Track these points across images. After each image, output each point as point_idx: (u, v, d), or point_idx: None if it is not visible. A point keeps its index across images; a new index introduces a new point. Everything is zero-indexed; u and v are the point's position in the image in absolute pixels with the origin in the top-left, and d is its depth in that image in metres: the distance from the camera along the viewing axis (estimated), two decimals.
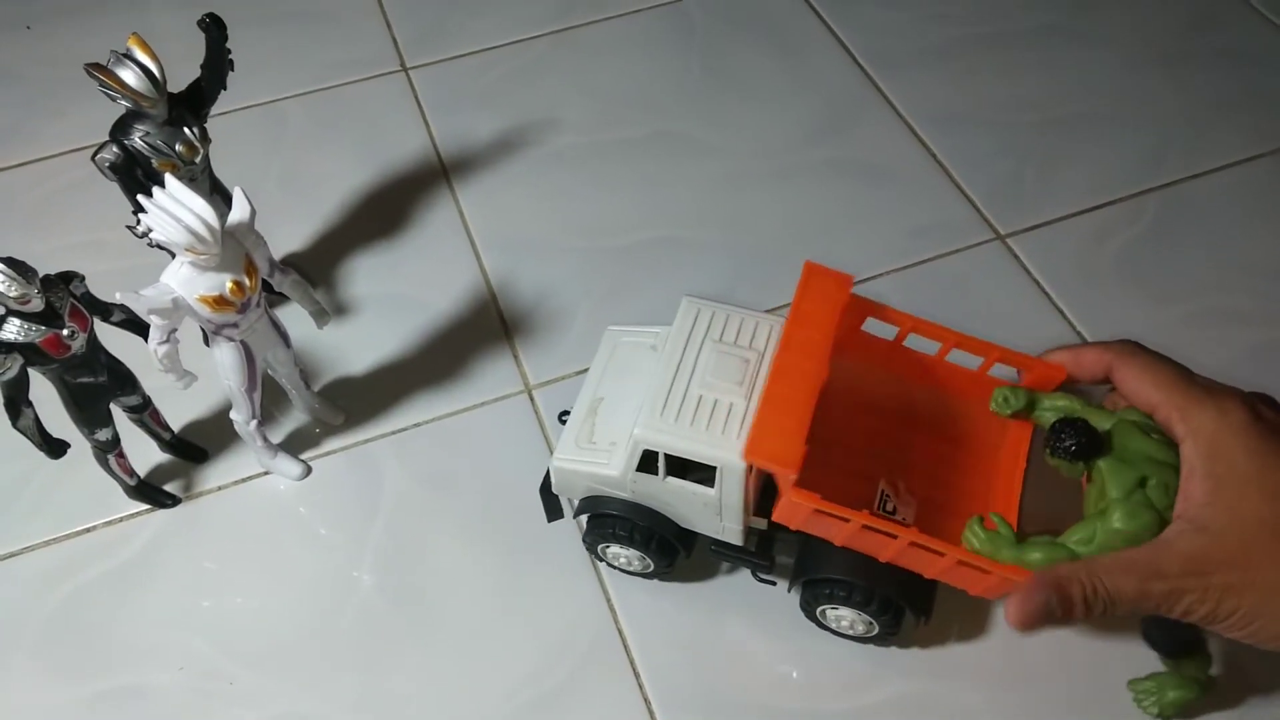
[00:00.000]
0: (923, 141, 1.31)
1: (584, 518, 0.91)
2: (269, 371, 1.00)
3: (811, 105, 1.36)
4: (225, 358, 0.91)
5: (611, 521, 0.89)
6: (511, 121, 1.35)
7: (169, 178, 0.79)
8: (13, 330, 0.81)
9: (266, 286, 0.88)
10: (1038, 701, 0.89)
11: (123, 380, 0.94)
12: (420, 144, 1.33)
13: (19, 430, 0.88)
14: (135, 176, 0.92)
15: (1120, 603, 0.69)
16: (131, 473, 1.00)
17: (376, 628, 0.94)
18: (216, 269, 0.82)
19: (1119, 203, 1.22)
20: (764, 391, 0.77)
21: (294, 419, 1.07)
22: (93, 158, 0.90)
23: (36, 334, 0.80)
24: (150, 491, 1.02)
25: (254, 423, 0.98)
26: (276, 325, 0.96)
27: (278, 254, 1.01)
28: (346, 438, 1.06)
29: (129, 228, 0.89)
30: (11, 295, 0.77)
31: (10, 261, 0.78)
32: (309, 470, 1.04)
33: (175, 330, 0.85)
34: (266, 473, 1.05)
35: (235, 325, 0.88)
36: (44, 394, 0.88)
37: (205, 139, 0.95)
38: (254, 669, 0.93)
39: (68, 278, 0.85)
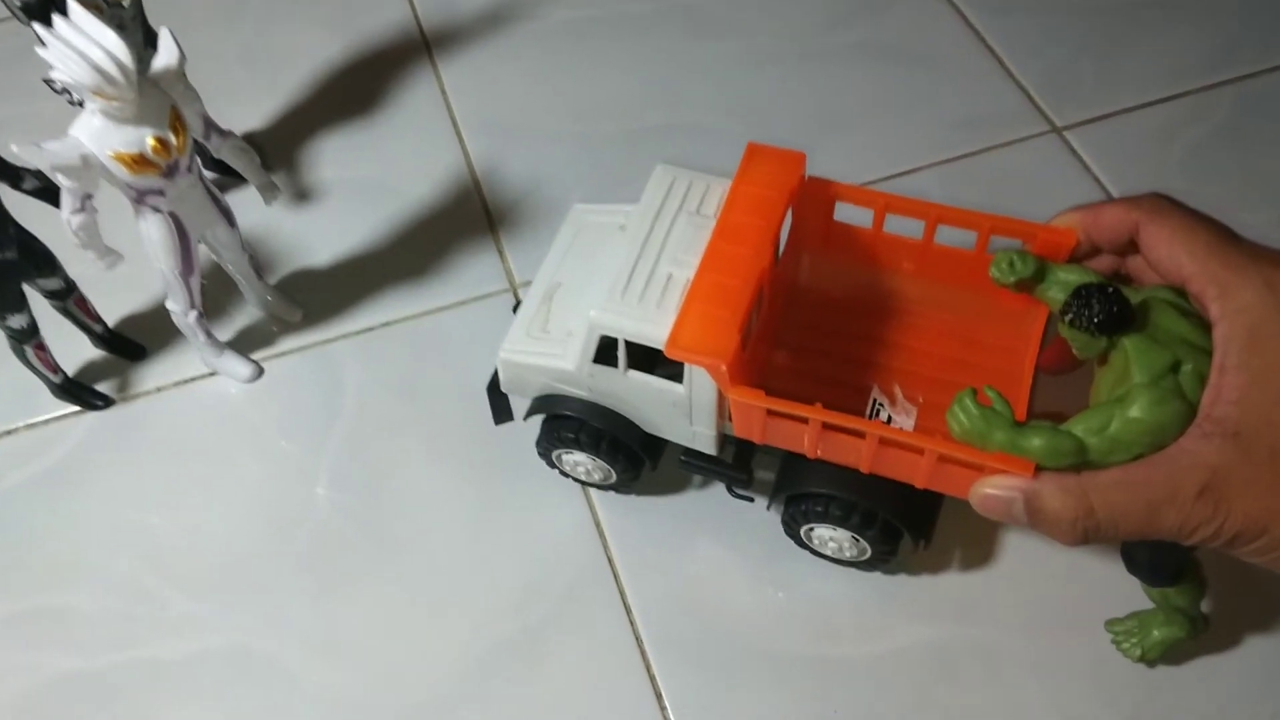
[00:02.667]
0: (969, 23, 1.22)
1: (538, 421, 0.85)
2: (214, 258, 0.94)
3: None
4: (152, 232, 0.84)
5: (567, 424, 0.83)
6: None
7: (73, 4, 0.71)
8: None
9: (215, 163, 0.84)
10: (1042, 638, 0.81)
11: (39, 259, 0.87)
12: (400, 14, 1.26)
13: None
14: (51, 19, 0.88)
15: (1121, 531, 0.62)
16: (55, 368, 0.94)
17: (333, 551, 0.88)
18: (135, 121, 0.75)
19: (1189, 95, 1.14)
20: (691, 283, 0.72)
21: (246, 314, 1.01)
22: None
23: None
24: (78, 391, 0.96)
25: (193, 314, 0.92)
26: (215, 199, 0.88)
27: (238, 133, 0.91)
28: (304, 336, 0.99)
29: (47, 82, 0.81)
30: None
31: None
32: (260, 372, 0.98)
33: (91, 197, 0.78)
34: (213, 374, 0.99)
35: (161, 193, 0.80)
36: None
37: None
38: (190, 593, 0.87)
39: None
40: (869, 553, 0.81)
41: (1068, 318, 0.65)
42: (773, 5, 1.26)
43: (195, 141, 0.83)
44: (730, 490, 0.86)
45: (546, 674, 0.83)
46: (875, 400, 0.80)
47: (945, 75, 1.19)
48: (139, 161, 0.75)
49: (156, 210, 0.82)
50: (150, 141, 0.75)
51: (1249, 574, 0.71)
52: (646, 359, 0.75)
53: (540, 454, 0.88)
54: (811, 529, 0.82)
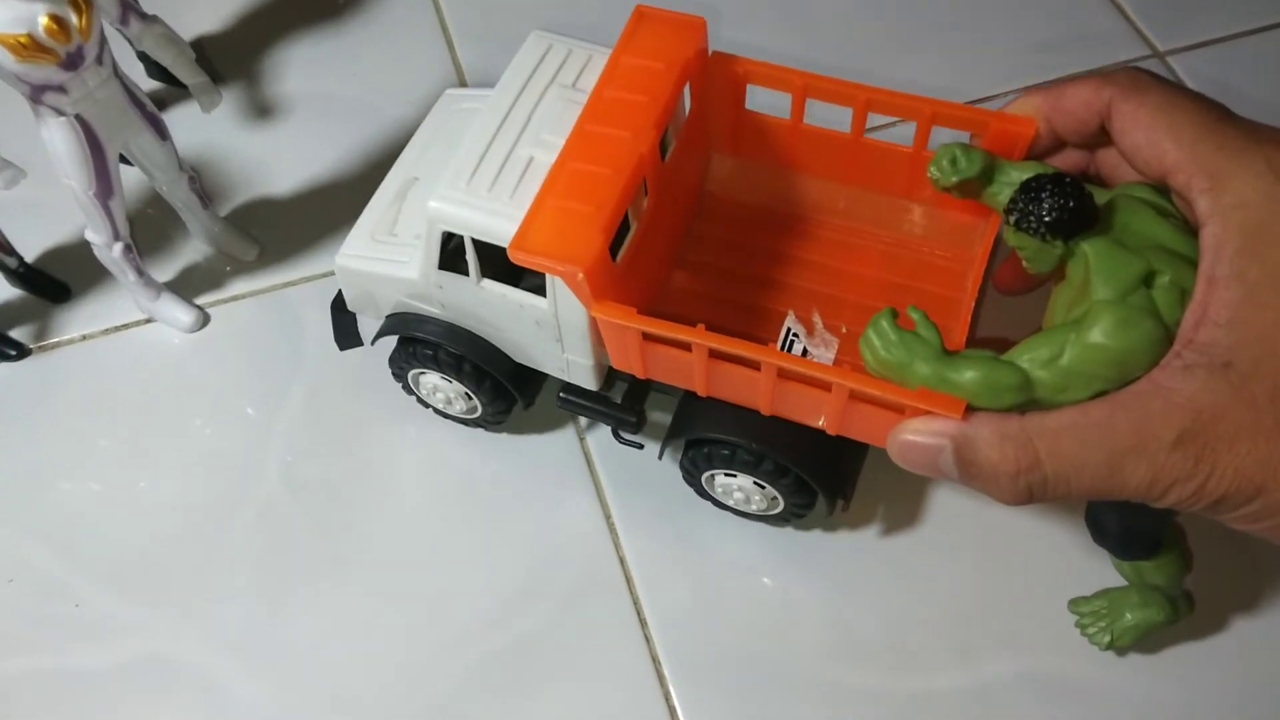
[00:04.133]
0: None
1: (389, 345, 0.73)
2: (149, 181, 0.79)
3: None
4: (55, 140, 0.68)
5: (421, 348, 0.70)
6: None
7: None
8: None
9: (159, 69, 0.71)
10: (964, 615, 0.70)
11: None
12: None
13: None
14: None
15: (1075, 488, 0.50)
16: None
17: (287, 538, 0.74)
18: None
19: None
20: (550, 170, 0.59)
21: (192, 250, 0.87)
22: None
23: None
24: None
25: (118, 246, 0.75)
26: (139, 102, 0.72)
27: (184, 36, 0.78)
28: (259, 279, 0.86)
29: None
30: None
31: None
32: (206, 319, 0.83)
33: None
34: (150, 320, 0.83)
35: (62, 90, 0.65)
36: None
37: None
38: (109, 588, 0.72)
39: None
40: (781, 505, 0.69)
41: (1013, 218, 0.53)
42: None
43: (120, 33, 0.70)
44: (616, 435, 0.73)
45: (545, 691, 0.69)
46: (789, 330, 0.67)
47: None
48: (29, 46, 0.61)
49: (59, 113, 0.67)
50: (43, 20, 0.61)
51: (1241, 544, 0.62)
52: (507, 265, 0.60)
53: (394, 374, 0.75)
54: (713, 476, 0.70)
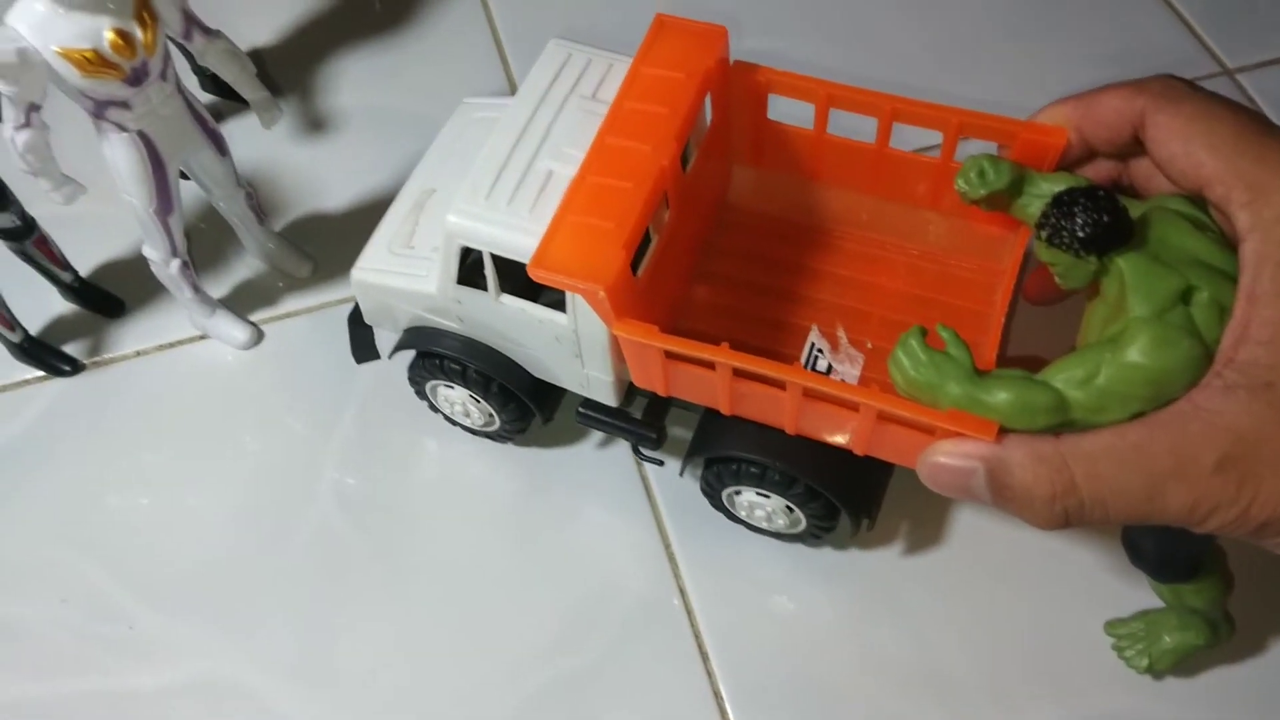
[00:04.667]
0: None
1: (407, 360, 0.70)
2: (205, 196, 0.76)
3: None
4: (117, 156, 0.65)
5: (440, 363, 0.67)
6: None
7: None
8: None
9: (214, 82, 0.70)
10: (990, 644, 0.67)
11: None
12: None
13: None
14: None
15: (1114, 513, 0.48)
16: (12, 324, 0.76)
17: (338, 560, 0.71)
18: (90, 9, 0.58)
19: None
20: (570, 185, 0.57)
21: (245, 265, 0.84)
22: None
23: None
24: (40, 352, 0.79)
25: (175, 263, 0.73)
26: (200, 118, 0.69)
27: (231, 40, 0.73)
28: (312, 295, 0.83)
29: None
30: None
31: None
32: (260, 336, 0.80)
33: (38, 108, 0.61)
34: (203, 337, 0.81)
35: (126, 105, 0.63)
36: None
37: None
38: (163, 609, 0.69)
39: None
40: (803, 524, 0.66)
41: (1045, 233, 0.50)
42: None
43: (180, 46, 0.68)
44: (636, 452, 0.70)
45: None
46: (813, 345, 0.65)
47: (1090, 2, 0.98)
48: (94, 61, 0.59)
49: (121, 128, 0.64)
50: (109, 35, 0.59)
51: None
52: (526, 279, 0.57)
53: (411, 384, 0.73)
54: (736, 493, 0.67)
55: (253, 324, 0.80)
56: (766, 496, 0.65)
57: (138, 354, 0.80)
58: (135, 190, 0.67)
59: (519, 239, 0.56)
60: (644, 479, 0.73)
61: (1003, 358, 0.58)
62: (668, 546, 0.71)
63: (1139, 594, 0.65)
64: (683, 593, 0.69)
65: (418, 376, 0.70)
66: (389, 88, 0.94)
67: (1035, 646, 0.67)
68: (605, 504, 0.73)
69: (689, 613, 0.69)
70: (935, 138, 0.61)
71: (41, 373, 0.79)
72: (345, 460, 0.75)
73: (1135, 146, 0.54)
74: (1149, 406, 0.47)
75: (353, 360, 0.76)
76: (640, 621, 0.69)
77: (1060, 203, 0.49)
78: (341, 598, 0.70)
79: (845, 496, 0.62)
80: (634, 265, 0.56)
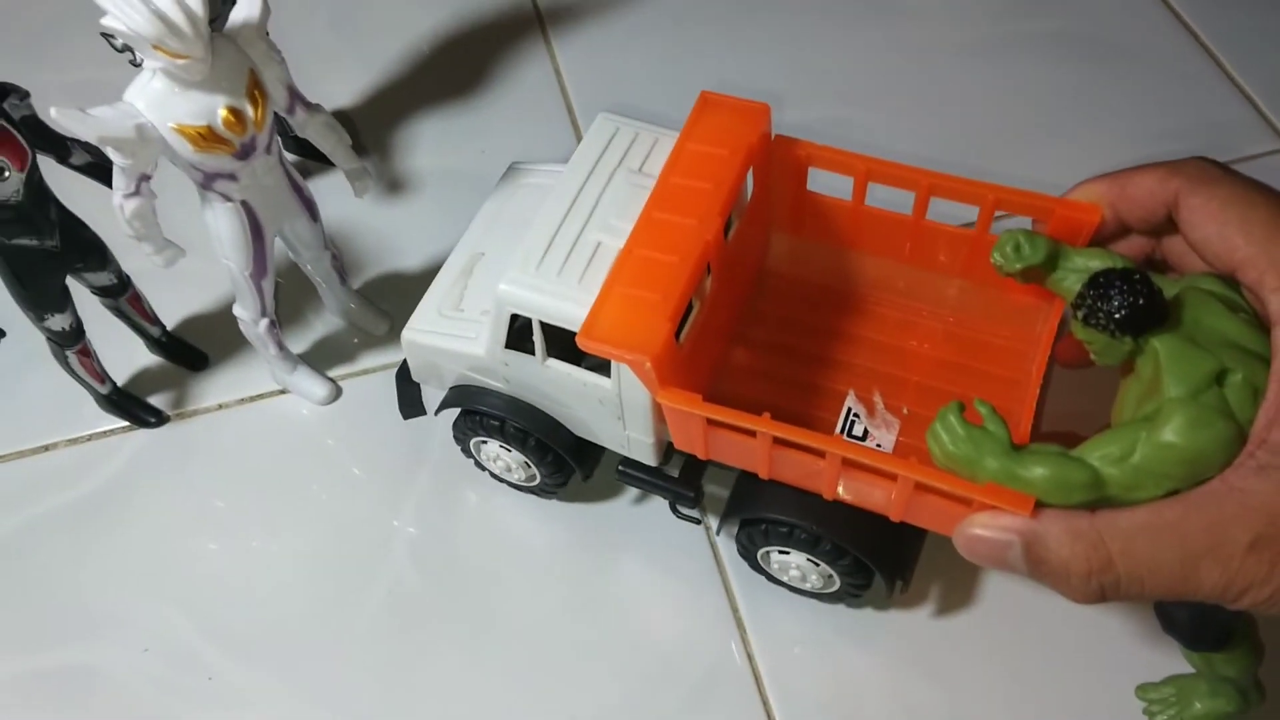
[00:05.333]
0: (1177, 15, 1.00)
1: (451, 416, 0.70)
2: (291, 256, 0.76)
3: None
4: (220, 225, 0.66)
5: (484, 421, 0.68)
6: None
7: None
8: None
9: (298, 142, 0.69)
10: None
11: (85, 249, 0.69)
12: None
13: None
14: None
15: (1149, 589, 0.47)
16: (102, 377, 0.76)
17: (411, 616, 0.70)
18: (205, 87, 0.58)
19: None
20: (618, 257, 0.58)
21: (324, 323, 0.84)
22: None
23: None
24: (128, 404, 0.78)
25: (264, 323, 0.73)
26: (297, 187, 0.70)
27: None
28: (388, 353, 0.83)
29: (105, 36, 0.64)
30: None
31: None
32: (338, 392, 0.80)
33: (148, 178, 0.61)
34: (283, 392, 0.80)
35: (233, 178, 0.63)
36: None
37: None
38: (242, 660, 0.69)
39: (2, 92, 0.60)
40: (837, 585, 0.66)
41: (1081, 313, 0.50)
42: None
43: (276, 116, 0.67)
44: (674, 510, 0.70)
45: None
46: (850, 410, 0.65)
47: (1149, 75, 0.96)
48: (207, 137, 0.60)
49: (226, 199, 0.65)
50: (222, 112, 0.60)
51: None
52: (571, 345, 0.58)
53: (455, 440, 0.73)
54: (769, 553, 0.66)
55: (331, 380, 0.80)
56: (791, 555, 0.65)
57: (220, 407, 0.80)
58: (234, 256, 0.68)
59: (568, 308, 0.57)
60: (711, 542, 0.72)
61: (1038, 426, 0.57)
62: (735, 610, 0.70)
63: (1170, 660, 0.64)
64: (750, 657, 0.68)
65: (462, 432, 0.71)
66: (464, 150, 0.94)
67: (1067, 710, 0.66)
68: (675, 567, 0.72)
69: (756, 679, 0.68)
70: (971, 210, 0.61)
71: (127, 424, 0.79)
72: (419, 516, 0.74)
73: (1169, 225, 0.54)
74: (1183, 485, 0.47)
75: (418, 416, 0.77)
76: (708, 686, 0.68)
77: (1096, 284, 0.49)
78: (415, 654, 0.69)
79: (880, 559, 0.61)
80: (677, 333, 0.57)
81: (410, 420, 0.75)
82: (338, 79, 0.98)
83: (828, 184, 0.64)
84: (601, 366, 0.60)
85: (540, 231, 0.60)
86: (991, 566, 0.51)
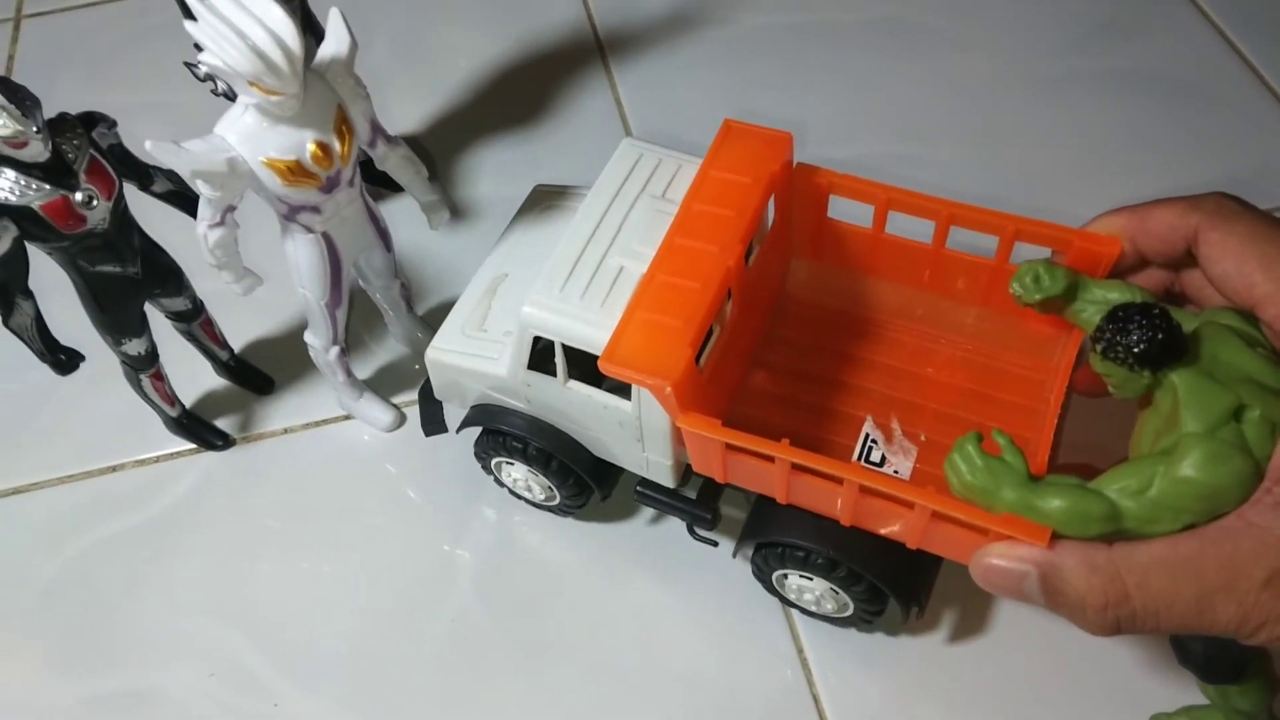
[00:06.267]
0: (1240, 54, 0.98)
1: (472, 434, 0.70)
2: (360, 283, 0.75)
3: None
4: (300, 256, 0.66)
5: (505, 440, 0.68)
6: None
7: None
8: (2, 186, 0.57)
9: (366, 167, 0.67)
10: None
11: (164, 275, 0.69)
12: (572, 12, 1.05)
13: (11, 330, 0.64)
14: None
15: (1164, 623, 0.47)
16: (172, 400, 0.75)
17: (474, 645, 0.69)
18: (295, 122, 0.58)
19: None
20: (640, 283, 0.58)
21: (388, 350, 0.83)
22: None
23: (37, 195, 0.58)
24: (196, 427, 0.78)
25: (334, 350, 0.73)
26: (375, 218, 0.69)
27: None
28: None
29: (189, 66, 0.65)
30: (0, 134, 0.55)
31: (3, 84, 0.54)
32: (403, 419, 0.79)
33: (233, 209, 0.61)
34: (348, 417, 0.80)
35: (316, 210, 0.63)
36: (56, 282, 0.65)
37: None
38: (308, 687, 0.68)
39: (91, 121, 0.60)
40: (850, 609, 0.65)
41: (1100, 346, 0.50)
42: (1005, 21, 1.02)
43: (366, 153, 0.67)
44: (691, 531, 0.69)
45: None
46: (868, 436, 0.65)
47: (1216, 116, 0.94)
48: (296, 171, 0.60)
49: (308, 230, 0.65)
50: (311, 147, 0.60)
51: None
52: (592, 367, 0.58)
53: (477, 458, 0.73)
54: (785, 576, 0.66)
55: (396, 407, 0.79)
56: (807, 579, 0.65)
57: (285, 431, 0.80)
58: (312, 285, 0.68)
59: (590, 332, 0.57)
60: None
61: (1055, 455, 0.57)
62: (800, 650, 0.69)
63: (1184, 692, 0.64)
64: (815, 699, 0.68)
65: (483, 451, 0.71)
66: (525, 179, 0.86)
67: None
68: (740, 607, 0.71)
69: (818, 708, 0.68)
70: (991, 240, 0.61)
71: (193, 446, 0.78)
72: (481, 549, 0.74)
73: (1188, 259, 0.54)
74: (1200, 519, 0.47)
75: (440, 434, 0.78)
76: (769, 716, 0.66)
77: (1116, 318, 0.49)
78: (477, 684, 0.68)
79: (896, 585, 0.61)
80: (697, 358, 0.57)
81: (473, 453, 0.75)
82: (400, 105, 0.99)
83: (848, 211, 0.65)
84: (622, 389, 0.60)
85: (564, 255, 0.60)
86: (1008, 597, 0.51)
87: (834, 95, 0.98)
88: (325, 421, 0.81)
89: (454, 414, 0.73)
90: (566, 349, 0.60)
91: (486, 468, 0.73)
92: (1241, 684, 0.58)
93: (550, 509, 0.73)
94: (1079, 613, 0.49)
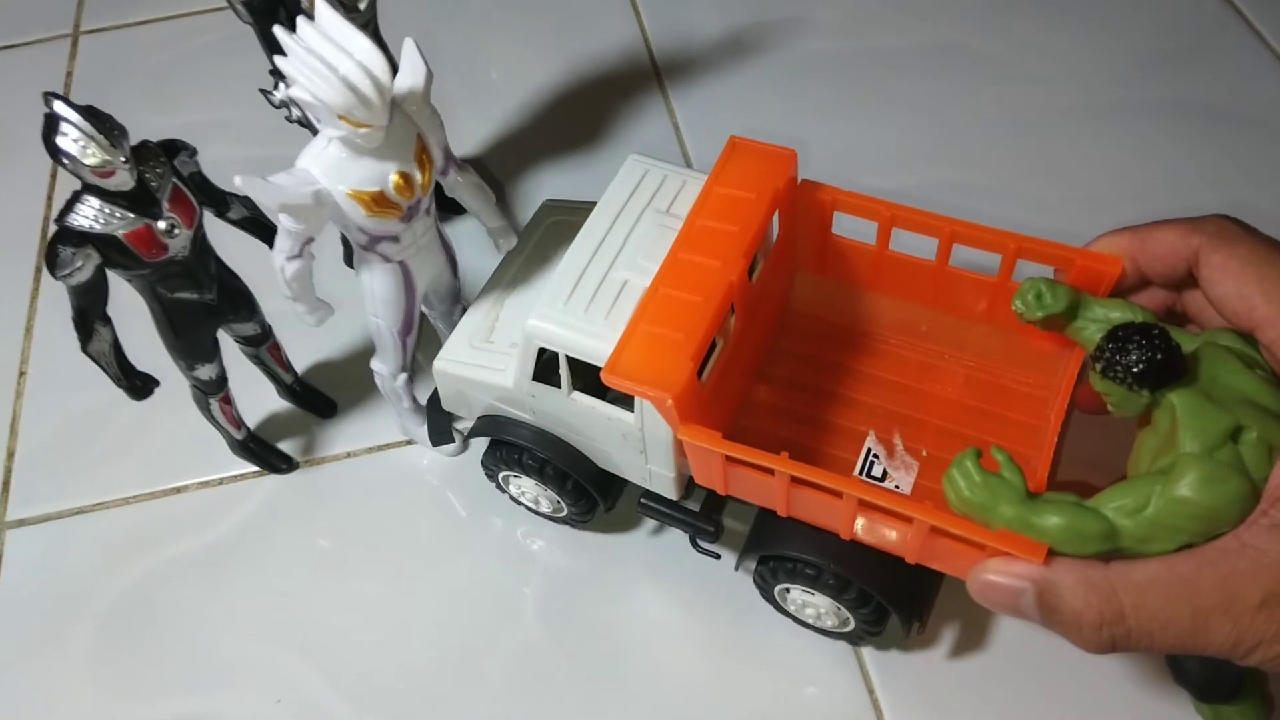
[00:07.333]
0: None
1: (480, 444, 0.70)
2: (423, 308, 0.74)
3: (1146, 25, 1.01)
4: (376, 285, 0.66)
5: (510, 451, 0.68)
6: (746, 16, 1.04)
7: (321, 6, 0.56)
8: (87, 214, 0.57)
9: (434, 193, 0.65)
10: None
11: (237, 301, 0.69)
12: (629, 37, 1.04)
13: (89, 356, 0.64)
14: (279, 20, 0.67)
15: (1159, 642, 0.47)
16: (239, 423, 0.75)
17: (537, 674, 0.69)
18: (378, 154, 0.58)
19: None
20: (643, 296, 0.58)
21: None
22: None
23: (121, 223, 0.57)
24: (261, 450, 0.78)
25: (402, 377, 0.72)
26: (445, 245, 0.69)
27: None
28: None
29: (264, 93, 0.66)
30: (88, 163, 0.54)
31: (92, 113, 0.54)
32: (465, 445, 0.79)
33: (312, 240, 0.61)
34: (410, 442, 0.79)
35: (395, 239, 0.63)
36: (129, 307, 0.65)
37: None
38: (367, 712, 0.68)
39: (173, 148, 0.60)
40: (851, 624, 0.65)
41: (1099, 366, 0.50)
42: (1061, 50, 1.00)
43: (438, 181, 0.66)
44: (694, 544, 0.69)
45: None
46: (870, 451, 0.65)
47: (1269, 146, 0.94)
48: (379, 202, 0.60)
49: (386, 259, 0.65)
50: (394, 178, 0.60)
51: None
52: (596, 379, 0.58)
53: (485, 473, 0.73)
54: (787, 590, 0.66)
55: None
56: (809, 593, 0.65)
57: (348, 455, 0.79)
58: (386, 314, 0.68)
59: (594, 344, 0.58)
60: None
61: (1055, 473, 0.57)
62: (871, 691, 0.69)
63: (1180, 710, 0.64)
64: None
65: (491, 465, 0.72)
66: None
67: None
68: (807, 642, 0.71)
69: None
70: (994, 257, 0.61)
71: (257, 468, 0.78)
72: (546, 576, 0.73)
73: (1190, 280, 0.54)
74: (1197, 540, 0.48)
75: (447, 444, 0.78)
76: None
77: (1115, 337, 0.50)
78: (543, 711, 0.68)
79: (897, 599, 0.61)
80: (700, 370, 0.57)
81: (482, 466, 0.75)
82: (460, 126, 0.98)
83: (853, 228, 0.65)
84: (625, 401, 0.60)
85: (569, 268, 0.61)
86: (1004, 613, 0.51)
87: (890, 122, 0.98)
88: (387, 446, 0.80)
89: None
90: (571, 361, 0.60)
91: (494, 481, 0.74)
92: (1237, 704, 0.58)
93: (560, 521, 0.74)
94: (1074, 630, 0.49)
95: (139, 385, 0.69)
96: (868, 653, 0.69)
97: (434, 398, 0.72)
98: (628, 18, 1.06)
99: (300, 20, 0.55)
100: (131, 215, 0.58)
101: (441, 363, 0.68)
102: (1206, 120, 0.95)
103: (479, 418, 0.69)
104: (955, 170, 0.93)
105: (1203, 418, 0.49)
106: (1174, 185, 0.91)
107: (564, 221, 0.72)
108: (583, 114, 0.99)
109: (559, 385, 0.62)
